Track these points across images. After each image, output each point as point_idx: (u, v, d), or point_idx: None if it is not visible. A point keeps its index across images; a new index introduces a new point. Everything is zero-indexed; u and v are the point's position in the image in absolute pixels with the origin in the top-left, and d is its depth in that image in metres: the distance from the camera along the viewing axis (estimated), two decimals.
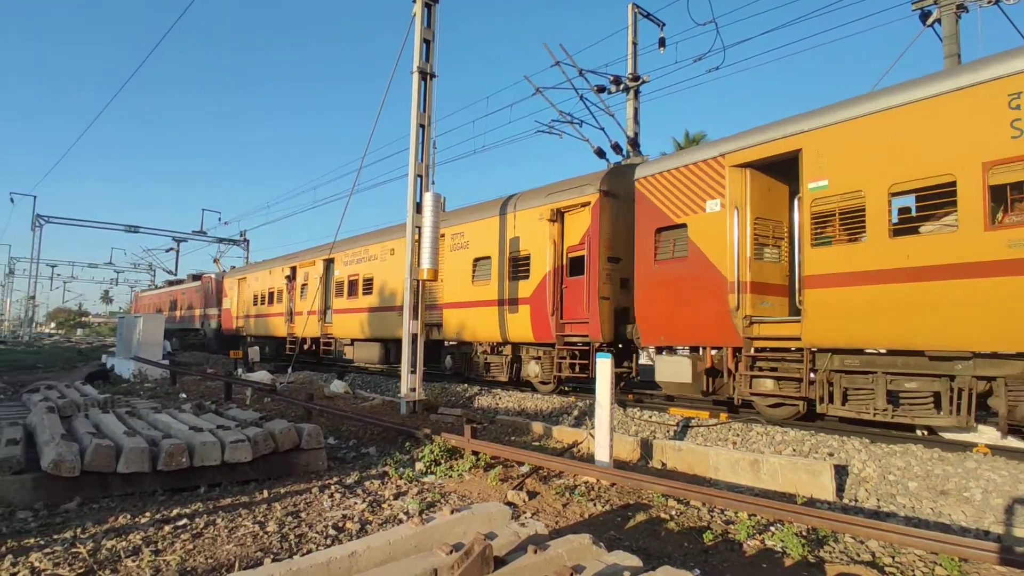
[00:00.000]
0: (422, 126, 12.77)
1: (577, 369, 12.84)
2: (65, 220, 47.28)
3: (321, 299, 22.06)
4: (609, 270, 12.46)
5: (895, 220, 8.05)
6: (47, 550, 4.62)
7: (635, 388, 14.13)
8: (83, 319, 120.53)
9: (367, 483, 6.75)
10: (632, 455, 8.68)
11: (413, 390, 12.31)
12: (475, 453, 7.99)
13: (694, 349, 10.70)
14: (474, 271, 15.13)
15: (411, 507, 5.81)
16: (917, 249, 7.61)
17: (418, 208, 12.59)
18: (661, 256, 10.97)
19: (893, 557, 4.99)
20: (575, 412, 11.57)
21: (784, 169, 9.78)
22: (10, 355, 32.27)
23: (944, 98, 7.57)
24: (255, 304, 28.26)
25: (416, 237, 12.58)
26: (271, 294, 26.52)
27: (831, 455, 7.82)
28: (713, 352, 10.36)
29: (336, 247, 21.41)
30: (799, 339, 8.83)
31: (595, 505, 6.21)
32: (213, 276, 35.53)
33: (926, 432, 8.76)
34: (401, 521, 5.38)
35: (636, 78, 16.97)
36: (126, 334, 24.72)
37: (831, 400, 8.66)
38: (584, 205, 12.69)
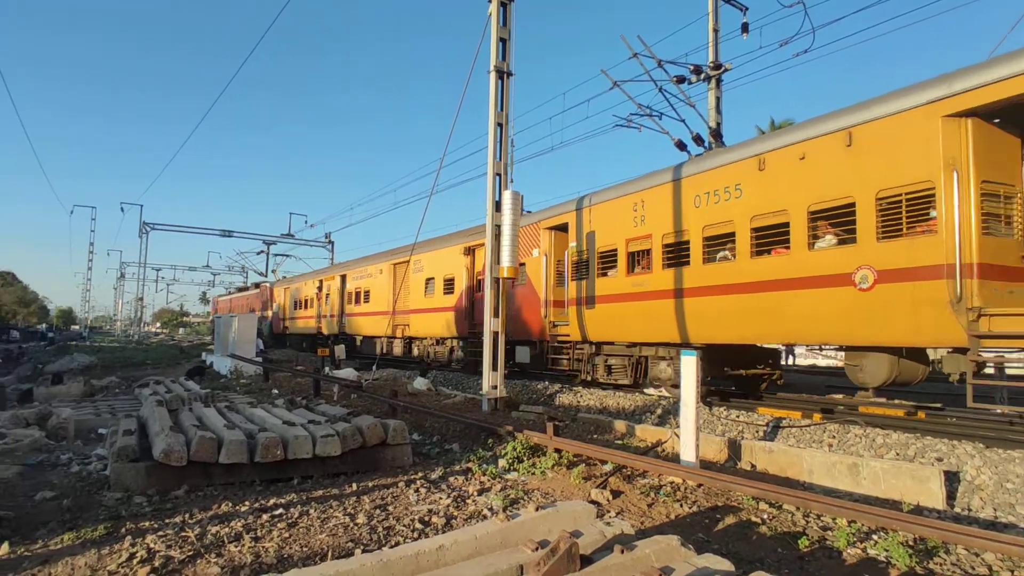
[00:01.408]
0: (499, 124, 12.87)
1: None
2: (168, 227, 50.63)
3: (338, 305, 30.73)
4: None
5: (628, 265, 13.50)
6: (160, 533, 4.96)
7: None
8: (184, 319, 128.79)
9: (451, 479, 6.87)
10: (719, 456, 8.46)
11: (495, 387, 12.45)
12: (557, 451, 8.00)
13: (532, 342, 16.71)
14: (426, 287, 22.41)
15: (495, 503, 5.86)
16: (622, 283, 13.47)
17: (497, 206, 12.70)
18: (517, 283, 17.10)
19: (1012, 572, 4.62)
20: (658, 411, 11.43)
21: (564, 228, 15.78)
22: (123, 353, 34.94)
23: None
24: (295, 308, 36.84)
25: (496, 235, 12.70)
26: (306, 301, 35.50)
27: (940, 460, 7.33)
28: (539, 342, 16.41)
29: (351, 265, 30.24)
30: (568, 336, 15.05)
31: (681, 506, 6.08)
32: (268, 284, 45.31)
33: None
34: (485, 517, 5.45)
35: (718, 66, 16.45)
36: (223, 333, 26.25)
37: (595, 374, 14.49)
38: (481, 244, 18.97)
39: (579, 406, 12.74)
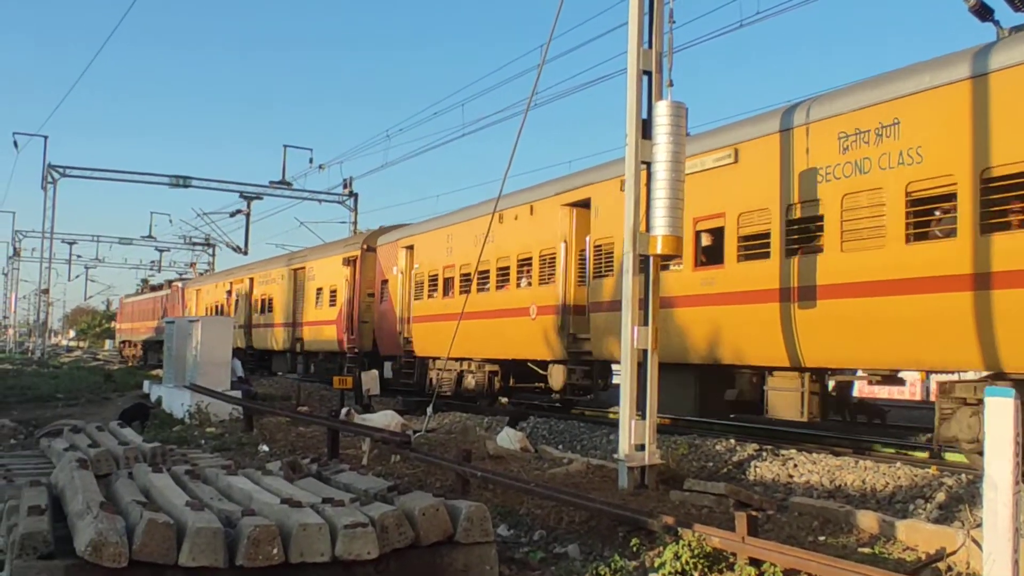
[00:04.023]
0: None
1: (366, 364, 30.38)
2: (88, 171, 53.55)
3: (245, 314, 45.07)
4: (369, 302, 31.77)
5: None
6: None
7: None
8: (114, 324, 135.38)
9: None
10: None
11: (641, 448, 12.42)
12: (755, 562, 7.97)
13: (394, 358, 29.79)
14: (316, 297, 35.85)
15: None
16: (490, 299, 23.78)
17: (644, 129, 12.63)
18: (383, 299, 30.38)
19: None
20: (938, 495, 11.21)
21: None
22: (20, 380, 37.00)
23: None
24: (206, 315, 48.90)
25: (644, 180, 12.66)
26: (218, 307, 49.39)
27: None
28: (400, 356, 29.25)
29: (257, 267, 46.97)
30: (425, 347, 27.22)
31: None
32: (180, 285, 58.97)
33: None
34: None
35: None
36: (177, 349, 27.42)
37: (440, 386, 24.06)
38: (355, 258, 32.65)
39: (792, 483, 12.62)
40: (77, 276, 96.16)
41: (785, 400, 15.15)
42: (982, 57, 11.92)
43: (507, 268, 22.92)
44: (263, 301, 42.66)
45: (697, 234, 16.66)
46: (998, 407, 7.29)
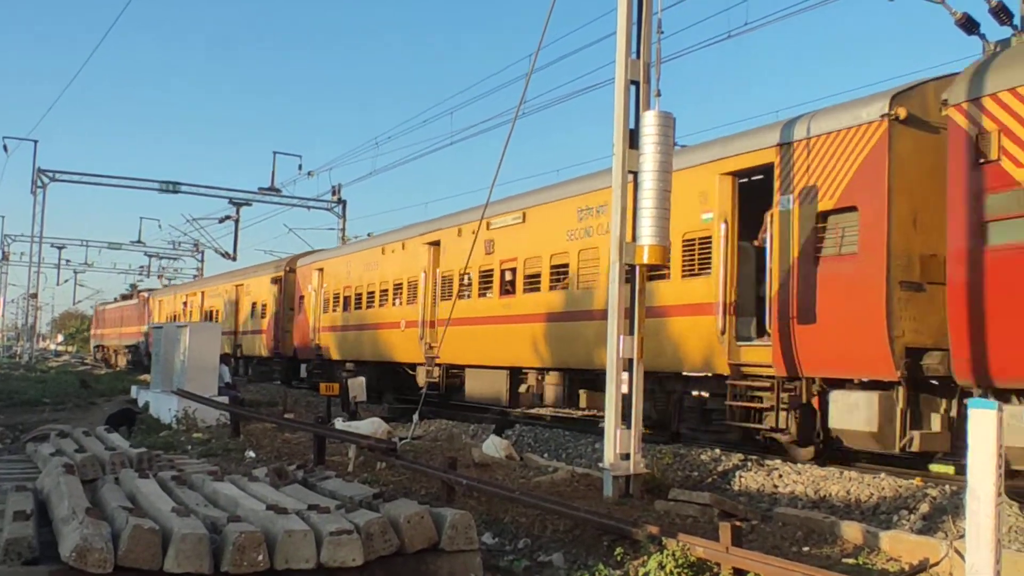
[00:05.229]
0: None
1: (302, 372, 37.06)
2: (77, 176, 53.41)
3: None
4: (290, 315, 38.34)
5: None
6: None
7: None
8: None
9: None
10: None
11: (626, 457, 12.41)
12: (738, 572, 7.98)
13: (308, 361, 36.32)
14: (251, 310, 43.58)
15: None
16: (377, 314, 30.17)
17: (631, 139, 12.65)
18: (300, 312, 36.77)
19: None
20: (922, 507, 11.19)
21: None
22: (6, 384, 36.85)
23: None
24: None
25: (631, 189, 12.68)
26: (175, 318, 54.13)
27: None
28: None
29: (209, 281, 56.50)
30: (330, 353, 33.92)
31: None
32: (146, 294, 65.69)
33: None
34: None
35: None
36: (165, 354, 27.36)
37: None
38: (280, 277, 40.22)
39: (777, 493, 12.61)
40: (66, 280, 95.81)
41: (554, 392, 21.39)
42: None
43: (386, 290, 29.25)
44: (211, 312, 50.14)
45: (502, 272, 22.63)
46: (981, 418, 7.29)
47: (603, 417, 13.93)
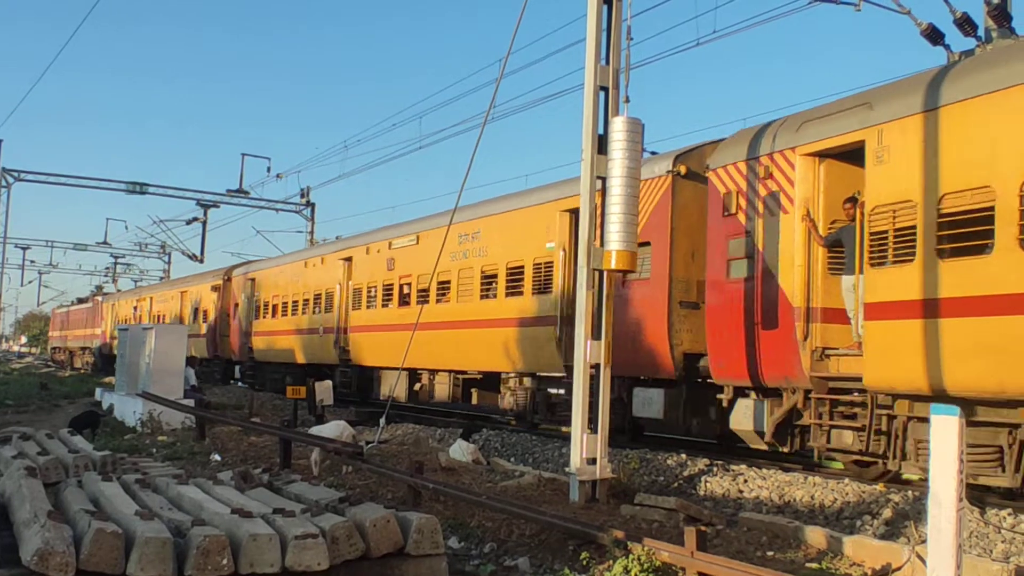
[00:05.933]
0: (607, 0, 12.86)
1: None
2: (43, 176, 52.65)
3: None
4: (227, 320, 41.32)
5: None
6: None
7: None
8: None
9: None
10: None
11: (592, 462, 12.42)
12: None
13: (242, 362, 40.49)
14: (194, 315, 46.16)
15: None
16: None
17: (600, 145, 12.69)
18: (235, 318, 40.16)
19: None
20: (885, 512, 11.27)
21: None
22: None
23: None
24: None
25: (598, 196, 12.71)
26: (127, 320, 57.01)
27: None
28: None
29: (158, 288, 59.31)
30: (261, 356, 37.69)
31: None
32: (100, 298, 68.59)
33: None
34: None
35: None
36: (130, 356, 27.10)
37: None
38: (219, 285, 42.95)
39: (742, 498, 12.64)
40: (30, 282, 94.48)
41: (443, 390, 24.68)
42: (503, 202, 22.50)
43: (308, 299, 32.69)
44: (159, 316, 53.07)
45: (400, 286, 26.29)
46: (943, 424, 7.36)
47: (487, 416, 22.35)
